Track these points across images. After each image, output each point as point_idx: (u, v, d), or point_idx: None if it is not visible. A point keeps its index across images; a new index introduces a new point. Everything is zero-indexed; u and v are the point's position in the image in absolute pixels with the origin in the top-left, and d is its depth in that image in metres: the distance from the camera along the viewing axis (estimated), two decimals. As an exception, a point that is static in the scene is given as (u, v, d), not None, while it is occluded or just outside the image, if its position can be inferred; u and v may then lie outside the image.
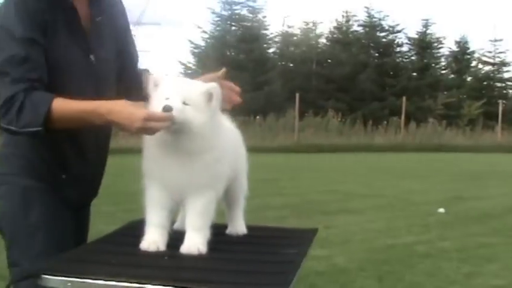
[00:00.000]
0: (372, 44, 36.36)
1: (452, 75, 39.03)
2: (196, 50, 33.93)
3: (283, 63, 35.48)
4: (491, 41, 38.60)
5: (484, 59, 39.16)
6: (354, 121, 29.22)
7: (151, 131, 2.30)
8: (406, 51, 37.99)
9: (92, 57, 2.61)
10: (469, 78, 39.32)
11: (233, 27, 33.26)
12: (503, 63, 38.43)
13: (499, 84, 38.70)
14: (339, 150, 23.71)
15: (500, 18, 76.76)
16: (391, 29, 36.58)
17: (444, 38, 38.48)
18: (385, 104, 33.65)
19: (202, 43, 33.83)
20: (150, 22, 43.15)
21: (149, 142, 2.45)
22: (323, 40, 36.83)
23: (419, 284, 5.93)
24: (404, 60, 37.79)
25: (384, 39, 36.62)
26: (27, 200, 2.57)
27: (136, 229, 2.78)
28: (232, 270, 2.23)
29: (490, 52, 38.64)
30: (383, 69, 35.38)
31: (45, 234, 2.56)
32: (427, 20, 37.64)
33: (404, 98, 29.04)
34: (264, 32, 34.66)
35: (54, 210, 2.60)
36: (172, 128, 2.31)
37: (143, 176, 2.52)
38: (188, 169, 2.39)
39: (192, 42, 33.88)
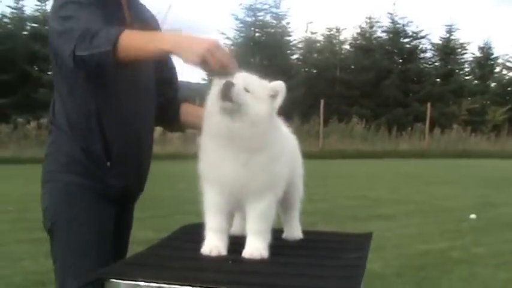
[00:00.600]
0: (395, 50, 36.12)
1: (476, 81, 38.71)
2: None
3: (306, 69, 35.37)
4: (515, 46, 38.29)
5: (508, 64, 38.83)
6: (378, 127, 29.07)
7: (213, 60, 2.26)
8: (429, 57, 37.75)
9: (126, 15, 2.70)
10: (492, 84, 38.99)
11: (257, 34, 33.25)
12: (527, 69, 38.10)
13: (523, 90, 38.32)
14: (364, 157, 23.61)
15: (524, 24, 76.07)
16: (414, 35, 36.35)
17: (468, 44, 38.26)
18: (409, 110, 33.45)
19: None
20: (172, 28, 43.22)
21: (206, 145, 2.44)
22: (346, 46, 36.73)
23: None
24: (428, 66, 37.54)
25: (407, 45, 36.39)
26: (69, 195, 2.60)
27: (190, 234, 2.79)
28: (298, 274, 2.21)
29: (514, 58, 38.33)
30: (407, 75, 35.14)
31: (86, 229, 2.58)
32: (450, 25, 37.41)
33: (429, 104, 28.84)
34: (288, 38, 34.59)
35: (96, 207, 2.62)
36: (230, 107, 2.29)
37: (200, 179, 2.51)
38: (246, 167, 2.37)
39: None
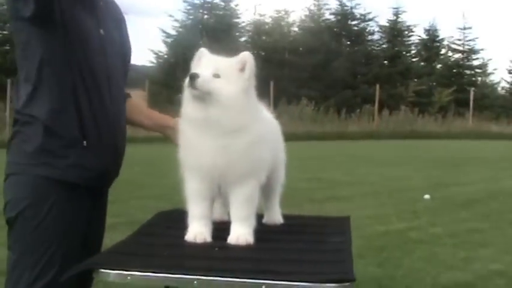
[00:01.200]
0: (343, 33, 36.42)
1: (422, 63, 39.28)
2: (168, 39, 33.69)
3: (255, 52, 35.33)
4: (460, 28, 38.96)
5: (454, 46, 39.52)
6: (327, 109, 29.26)
7: None
8: (377, 40, 38.20)
9: (101, 31, 2.60)
10: (438, 66, 39.63)
11: (205, 16, 33.06)
12: (473, 51, 38.79)
13: (468, 72, 39.02)
14: (314, 138, 23.74)
15: (469, 6, 77.52)
16: (362, 17, 36.72)
17: (414, 26, 38.78)
18: (357, 92, 33.78)
19: (174, 32, 33.63)
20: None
21: (184, 128, 2.41)
22: (295, 29, 36.83)
23: (420, 269, 5.93)
24: (375, 48, 37.94)
25: (355, 28, 36.71)
26: (36, 190, 2.48)
27: (169, 220, 2.75)
28: (289, 260, 2.19)
29: (459, 40, 39.01)
30: (355, 58, 35.47)
31: (52, 225, 2.47)
32: (397, 8, 37.87)
33: (377, 86, 29.16)
34: (236, 20, 34.54)
35: (66, 201, 2.51)
36: (200, 97, 2.29)
37: (181, 166, 2.47)
38: (225, 153, 2.33)
39: (163, 31, 33.66)
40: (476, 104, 32.18)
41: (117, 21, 2.79)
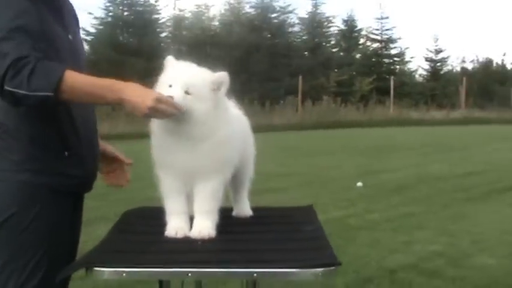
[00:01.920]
0: (264, 25, 36.66)
1: (342, 53, 39.96)
2: (88, 37, 33.19)
3: (176, 47, 35.23)
4: (377, 18, 39.82)
5: (372, 36, 40.37)
6: (252, 102, 29.42)
7: (160, 113, 2.29)
8: (297, 31, 38.62)
9: (70, 37, 2.59)
10: (358, 56, 40.40)
11: (125, 13, 32.73)
12: (390, 40, 39.74)
13: (387, 61, 39.97)
14: (242, 131, 23.79)
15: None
16: (282, 9, 37.05)
17: (333, 17, 39.37)
18: (280, 83, 34.09)
19: (93, 30, 33.18)
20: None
21: (156, 130, 2.48)
22: (216, 23, 36.85)
23: (365, 255, 6.13)
24: (296, 40, 38.36)
25: (275, 20, 37.01)
26: (22, 197, 2.48)
27: (142, 218, 2.82)
28: (274, 249, 2.29)
29: (377, 30, 39.89)
30: (276, 50, 35.75)
31: (38, 232, 2.49)
32: (316, 0, 38.36)
33: (300, 77, 29.53)
34: (156, 16, 34.32)
35: (52, 206, 2.52)
36: (174, 116, 2.33)
37: (155, 165, 2.54)
38: (194, 154, 2.41)
39: (83, 29, 33.12)
40: (396, 92, 33.02)
41: (76, 20, 2.80)
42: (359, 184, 10.52)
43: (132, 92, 2.29)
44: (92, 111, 2.76)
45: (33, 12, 2.39)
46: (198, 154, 2.42)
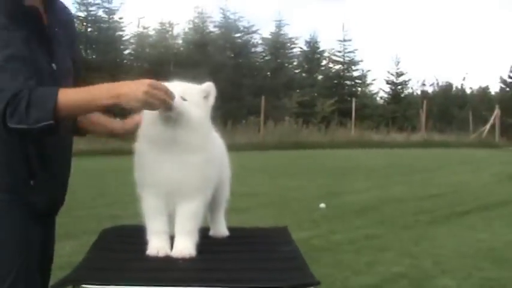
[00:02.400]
0: (227, 45, 36.86)
1: (304, 75, 40.33)
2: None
3: (139, 64, 35.19)
4: (340, 40, 40.30)
5: (334, 58, 40.85)
6: (213, 120, 29.44)
7: (155, 100, 2.33)
8: (261, 52, 38.88)
9: (53, 65, 2.61)
10: (320, 77, 40.82)
11: (89, 29, 32.63)
12: (352, 62, 40.26)
13: (348, 83, 40.46)
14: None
15: (348, 19, 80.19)
16: (246, 29, 37.29)
17: (296, 38, 39.76)
18: (242, 103, 34.25)
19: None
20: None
21: (141, 149, 2.55)
22: (179, 41, 36.94)
23: (328, 275, 6.23)
24: (259, 60, 38.61)
25: (239, 40, 37.24)
26: None
27: (121, 237, 2.89)
28: (256, 268, 2.37)
29: (339, 52, 40.38)
30: (239, 70, 35.95)
31: (10, 250, 2.52)
32: (279, 21, 38.75)
33: (263, 98, 29.72)
34: (120, 33, 34.28)
35: (22, 225, 2.56)
36: (172, 117, 2.40)
37: (137, 186, 2.62)
38: (182, 168, 2.49)
39: (45, 44, 32.92)
40: (357, 114, 33.43)
41: (69, 37, 2.80)
42: (322, 205, 10.64)
43: (127, 84, 2.34)
44: (70, 141, 2.81)
45: (19, 39, 2.44)
46: (186, 169, 2.48)
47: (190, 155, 2.49)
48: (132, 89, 2.32)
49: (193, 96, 2.49)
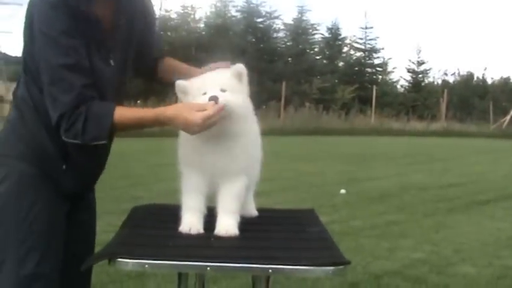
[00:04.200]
0: (249, 30, 36.82)
1: (325, 61, 40.21)
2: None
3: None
4: (362, 28, 40.15)
5: (355, 45, 40.71)
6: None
7: (209, 127, 2.42)
8: (282, 37, 38.82)
9: (111, 61, 2.63)
10: (341, 64, 40.70)
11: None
12: (374, 50, 40.12)
13: (369, 70, 40.32)
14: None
15: (370, 6, 79.73)
16: (268, 15, 37.23)
17: (318, 25, 39.66)
18: (263, 88, 34.20)
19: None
20: (11, 2, 41.68)
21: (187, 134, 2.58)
22: (201, 25, 36.95)
23: (350, 260, 6.26)
24: (280, 46, 38.54)
25: (261, 25, 37.18)
26: (22, 187, 2.55)
27: (153, 214, 2.94)
28: (286, 247, 2.42)
29: (361, 39, 40.23)
30: (260, 55, 35.90)
31: (35, 223, 2.55)
32: (302, 6, 38.63)
33: (284, 83, 29.71)
34: (142, 16, 34.33)
35: (50, 200, 2.60)
36: (221, 115, 2.45)
37: (179, 163, 2.66)
38: (227, 152, 2.54)
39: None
40: (377, 102, 33.33)
41: (138, 26, 2.77)
42: (342, 191, 10.67)
43: (178, 121, 2.43)
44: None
45: (79, 45, 2.48)
46: (232, 152, 2.55)
47: (234, 140, 2.55)
48: (186, 127, 2.44)
49: (230, 83, 2.53)
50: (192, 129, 2.42)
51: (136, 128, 2.58)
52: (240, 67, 2.60)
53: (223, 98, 2.45)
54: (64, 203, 2.69)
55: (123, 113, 2.47)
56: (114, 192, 9.17)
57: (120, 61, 2.67)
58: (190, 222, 2.58)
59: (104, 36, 2.59)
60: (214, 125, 2.43)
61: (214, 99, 2.44)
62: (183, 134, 2.60)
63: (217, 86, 2.49)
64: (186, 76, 2.70)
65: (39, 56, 2.46)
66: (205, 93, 2.47)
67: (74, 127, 2.42)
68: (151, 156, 14.22)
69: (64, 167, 2.62)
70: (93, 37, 2.54)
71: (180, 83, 2.55)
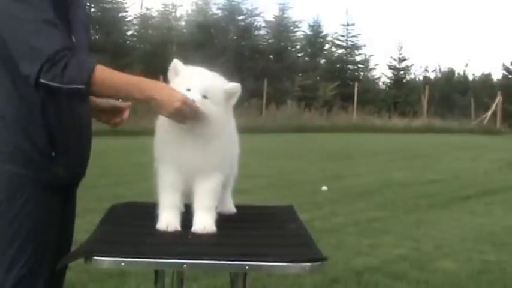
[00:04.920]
0: (230, 27, 36.76)
1: (307, 58, 40.23)
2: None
3: (141, 45, 35.15)
4: (343, 25, 40.18)
5: (337, 42, 40.72)
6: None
7: (183, 116, 2.43)
8: (264, 35, 38.77)
9: (73, 38, 2.63)
10: (322, 61, 40.75)
11: (92, 9, 32.55)
12: (355, 47, 40.13)
13: (351, 67, 40.36)
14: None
15: (352, 3, 79.90)
16: (249, 12, 37.19)
17: (300, 22, 39.60)
18: (245, 85, 34.05)
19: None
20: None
21: (164, 127, 2.59)
22: (182, 23, 36.87)
23: (330, 257, 6.25)
24: (262, 43, 38.52)
25: (242, 23, 37.14)
26: (10, 188, 2.55)
27: (131, 212, 2.93)
28: (262, 244, 2.42)
29: (342, 36, 40.24)
30: (242, 52, 35.88)
31: (25, 223, 2.56)
32: (283, 4, 38.59)
33: (265, 81, 29.73)
34: (123, 14, 34.25)
35: (40, 199, 2.60)
36: (190, 115, 2.46)
37: (156, 160, 2.65)
38: (203, 150, 2.55)
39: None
40: (359, 99, 33.43)
41: (85, 26, 2.84)
42: (324, 188, 10.71)
43: (160, 91, 2.42)
44: (86, 109, 2.81)
45: (51, 6, 2.49)
46: (208, 151, 2.56)
47: (206, 141, 2.55)
48: (166, 99, 2.40)
49: (215, 95, 2.52)
50: (172, 104, 2.39)
51: (115, 91, 2.48)
52: (235, 87, 2.59)
53: (200, 102, 2.46)
54: (57, 198, 2.69)
55: (105, 69, 2.44)
56: (95, 190, 9.11)
57: (81, 41, 2.69)
58: (168, 220, 2.58)
59: (67, 10, 2.62)
60: (186, 120, 2.45)
61: (193, 102, 2.45)
62: (159, 131, 2.61)
63: (202, 90, 2.49)
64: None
65: (10, 25, 2.44)
66: (188, 90, 2.47)
67: (55, 68, 2.37)
68: (133, 155, 14.15)
69: (53, 153, 2.61)
70: (59, 9, 2.55)
71: (178, 63, 2.57)
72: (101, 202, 8.12)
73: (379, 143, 21.38)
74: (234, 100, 2.60)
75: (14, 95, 2.55)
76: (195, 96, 2.45)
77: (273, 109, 29.89)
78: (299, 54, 40.31)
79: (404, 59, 40.49)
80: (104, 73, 2.43)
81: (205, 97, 2.48)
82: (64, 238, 2.79)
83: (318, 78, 38.00)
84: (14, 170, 2.55)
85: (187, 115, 2.44)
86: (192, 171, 2.59)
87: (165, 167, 2.62)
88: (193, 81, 2.50)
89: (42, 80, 2.37)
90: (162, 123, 2.59)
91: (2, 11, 2.44)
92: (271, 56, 37.73)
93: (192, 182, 2.62)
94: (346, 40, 40.09)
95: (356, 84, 34.54)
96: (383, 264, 6.15)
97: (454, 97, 38.35)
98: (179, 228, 2.57)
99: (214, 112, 2.50)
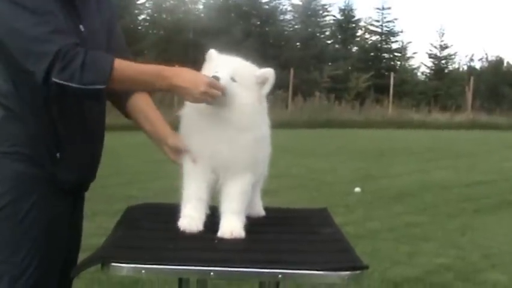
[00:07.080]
0: (253, 12, 36.77)
1: (338, 46, 40.15)
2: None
3: (155, 31, 35.28)
4: (378, 9, 40.05)
5: (371, 28, 40.59)
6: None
7: (211, 98, 2.48)
8: (290, 20, 38.77)
9: (81, 27, 2.68)
10: (354, 49, 40.64)
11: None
12: (391, 33, 39.98)
13: (386, 56, 40.22)
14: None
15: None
16: (273, -5, 37.22)
17: (329, 6, 39.74)
18: (269, 76, 34.24)
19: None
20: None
21: (191, 115, 2.64)
22: (200, 6, 36.95)
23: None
24: (288, 29, 38.51)
25: (266, 6, 37.15)
26: (18, 187, 2.60)
27: (148, 214, 2.95)
28: (294, 250, 2.44)
29: (377, 21, 40.11)
30: (265, 39, 35.88)
31: (34, 226, 2.61)
32: (311, -15, 38.53)
33: (292, 70, 29.70)
34: (135, -3, 34.44)
35: (48, 200, 2.64)
36: (217, 100, 2.50)
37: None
38: (230, 145, 2.58)
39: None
40: (395, 91, 33.27)
41: (105, 9, 2.86)
42: (357, 189, 10.70)
43: (183, 78, 2.50)
44: (100, 112, 2.86)
45: (59, 13, 2.55)
46: (235, 146, 2.58)
47: (239, 133, 2.57)
48: (190, 85, 2.47)
49: (245, 79, 2.57)
50: (198, 89, 2.46)
51: (138, 84, 2.58)
52: (267, 73, 2.64)
53: (227, 83, 2.50)
54: (65, 200, 2.73)
55: (123, 64, 2.51)
56: (105, 191, 9.17)
57: (91, 30, 2.72)
58: (190, 215, 2.60)
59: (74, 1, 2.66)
60: (213, 103, 2.50)
61: (215, 78, 2.49)
62: (184, 119, 2.64)
63: (230, 73, 2.54)
64: (151, 126, 2.83)
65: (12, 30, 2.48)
66: (216, 72, 2.52)
67: (71, 68, 2.41)
68: (147, 151, 14.14)
69: (58, 155, 2.65)
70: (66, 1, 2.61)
71: (213, 52, 2.68)
72: (111, 204, 8.20)
73: (418, 140, 21.27)
74: (267, 88, 2.62)
75: (16, 93, 2.60)
76: (221, 75, 2.50)
77: (300, 102, 29.84)
78: (329, 42, 40.22)
79: (446, 47, 40.30)
80: (123, 68, 2.49)
81: (233, 79, 2.52)
82: (70, 246, 2.82)
83: (350, 68, 37.91)
84: (22, 169, 2.61)
85: (215, 96, 2.48)
86: (220, 165, 2.62)
87: (188, 157, 2.66)
88: (222, 65, 2.56)
89: (56, 80, 2.41)
90: (187, 116, 2.61)
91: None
92: (298, 44, 37.70)
93: (220, 178, 2.64)
94: (381, 26, 39.97)
95: (392, 74, 34.37)
96: (424, 274, 6.14)
97: (502, 89, 38.02)
98: (201, 227, 2.59)
99: (243, 99, 2.54)
